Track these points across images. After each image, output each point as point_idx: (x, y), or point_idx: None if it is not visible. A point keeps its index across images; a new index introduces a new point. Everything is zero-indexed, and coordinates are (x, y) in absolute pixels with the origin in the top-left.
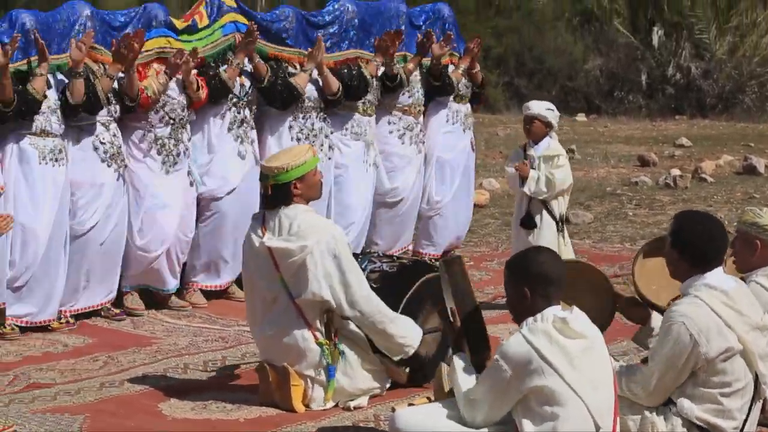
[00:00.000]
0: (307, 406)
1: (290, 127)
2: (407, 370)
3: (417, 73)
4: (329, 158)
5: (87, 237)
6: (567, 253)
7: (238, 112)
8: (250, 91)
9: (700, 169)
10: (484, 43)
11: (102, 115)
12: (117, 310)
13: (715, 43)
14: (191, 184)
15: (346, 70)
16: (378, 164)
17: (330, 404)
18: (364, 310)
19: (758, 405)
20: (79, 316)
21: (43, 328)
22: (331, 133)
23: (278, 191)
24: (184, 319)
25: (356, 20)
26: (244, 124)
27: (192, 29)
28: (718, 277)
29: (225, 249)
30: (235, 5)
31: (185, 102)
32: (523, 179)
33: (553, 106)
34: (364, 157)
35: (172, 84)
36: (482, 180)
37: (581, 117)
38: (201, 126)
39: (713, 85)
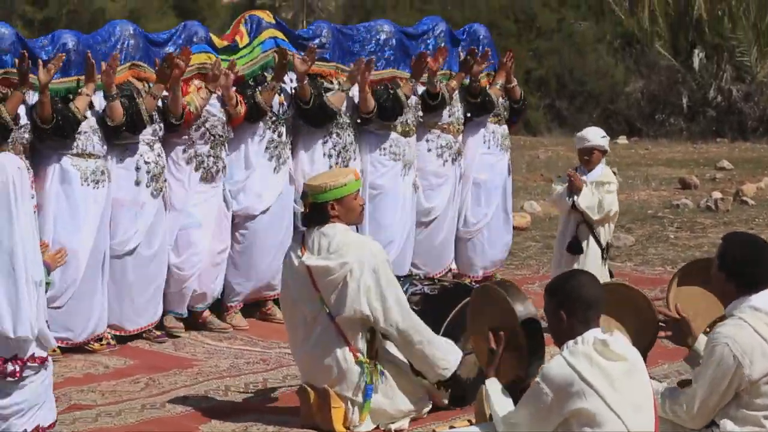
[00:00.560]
0: (347, 428)
1: (324, 142)
2: (448, 392)
3: (456, 91)
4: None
5: (129, 258)
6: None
7: (275, 131)
8: (288, 110)
9: (742, 192)
10: (525, 65)
11: (146, 135)
12: (158, 332)
13: (756, 65)
14: (226, 202)
15: (381, 90)
16: (418, 186)
17: (370, 426)
18: (401, 326)
19: None
20: (122, 339)
21: (84, 349)
22: (369, 153)
23: (315, 210)
24: (225, 341)
25: (393, 40)
26: (281, 144)
27: (233, 49)
28: (763, 299)
29: (260, 267)
30: (273, 21)
31: (225, 119)
32: (575, 192)
33: (604, 132)
34: (403, 177)
35: (213, 100)
36: (523, 202)
37: (622, 140)
38: (239, 143)
39: (754, 108)
